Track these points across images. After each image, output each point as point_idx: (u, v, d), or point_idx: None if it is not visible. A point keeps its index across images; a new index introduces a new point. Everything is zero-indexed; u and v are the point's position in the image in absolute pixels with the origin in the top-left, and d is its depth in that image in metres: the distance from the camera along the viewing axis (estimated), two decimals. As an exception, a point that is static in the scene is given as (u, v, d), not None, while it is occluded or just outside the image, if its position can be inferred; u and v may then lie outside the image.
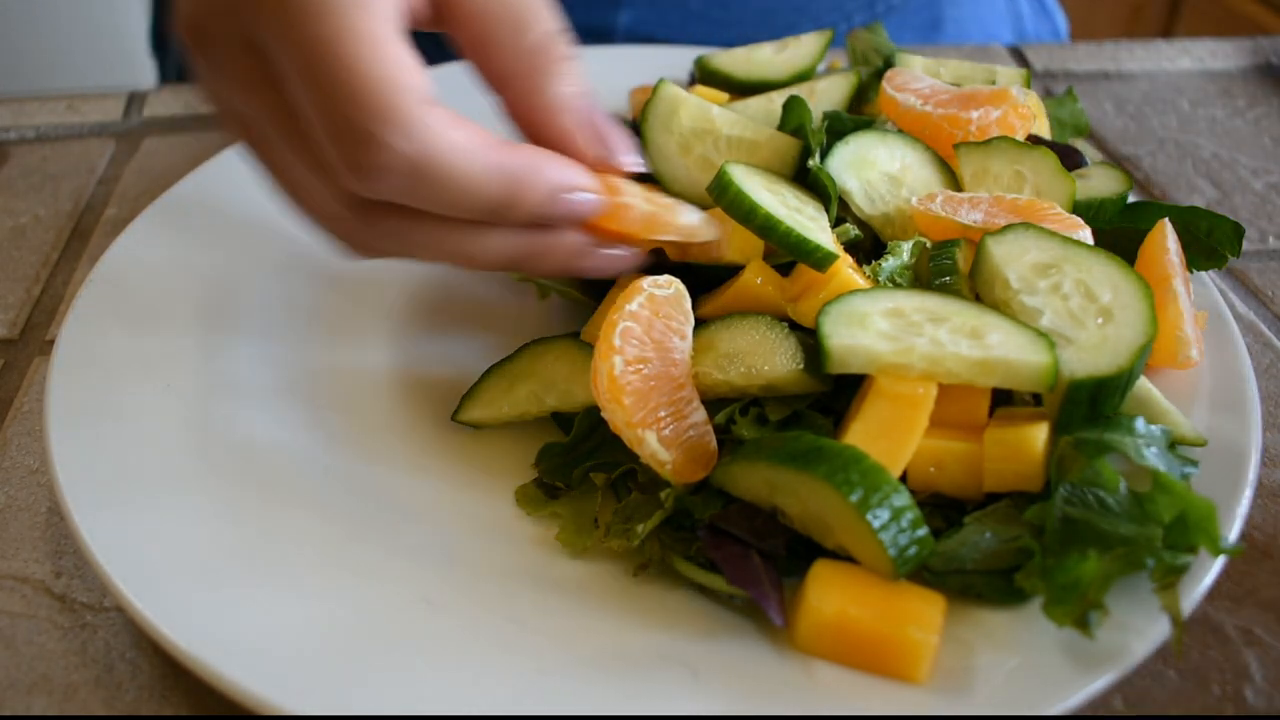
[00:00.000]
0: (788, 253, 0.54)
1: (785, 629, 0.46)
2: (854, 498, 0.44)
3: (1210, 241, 0.60)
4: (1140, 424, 0.49)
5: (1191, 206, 0.61)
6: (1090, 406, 0.49)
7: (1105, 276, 0.52)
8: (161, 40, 1.20)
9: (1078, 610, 0.43)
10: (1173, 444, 0.50)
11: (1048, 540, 0.46)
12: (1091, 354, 0.49)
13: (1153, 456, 0.48)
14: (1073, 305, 0.51)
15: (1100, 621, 0.43)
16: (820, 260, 0.53)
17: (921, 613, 0.44)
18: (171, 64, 1.18)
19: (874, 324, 0.50)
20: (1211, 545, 0.44)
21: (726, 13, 0.98)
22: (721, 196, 0.55)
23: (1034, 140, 0.64)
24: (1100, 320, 0.50)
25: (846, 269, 0.54)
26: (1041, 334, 0.49)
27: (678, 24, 0.97)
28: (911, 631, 0.43)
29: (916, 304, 0.51)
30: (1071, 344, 0.50)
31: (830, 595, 0.45)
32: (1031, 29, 1.15)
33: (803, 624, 0.45)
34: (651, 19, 0.97)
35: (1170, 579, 0.44)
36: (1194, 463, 0.51)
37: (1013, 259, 0.53)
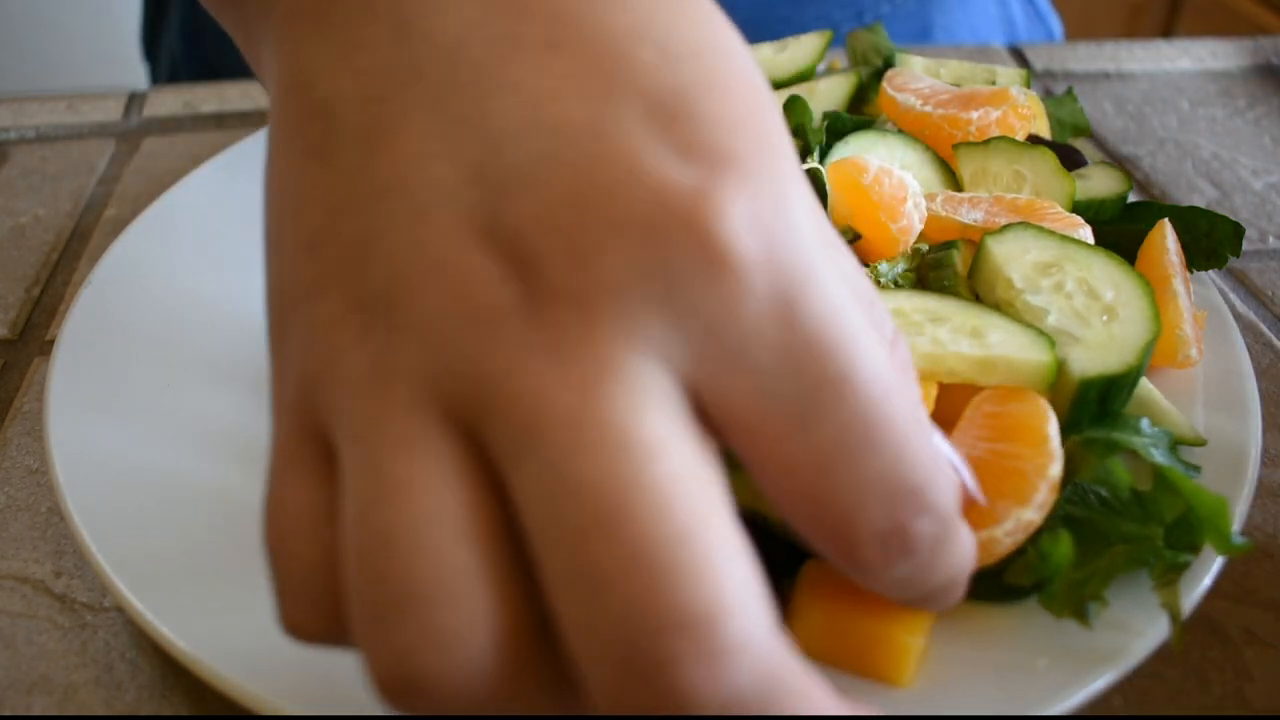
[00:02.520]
0: (788, 252, 0.54)
1: (784, 629, 0.46)
2: (854, 497, 0.44)
3: (1210, 241, 0.60)
4: (1146, 424, 0.49)
5: (1191, 206, 0.60)
6: (1100, 405, 0.49)
7: (1106, 274, 0.52)
8: (153, 45, 1.19)
9: (1076, 600, 0.43)
10: (1173, 444, 0.50)
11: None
12: (1100, 352, 0.49)
13: (1159, 456, 0.48)
14: (1077, 304, 0.51)
15: (1099, 612, 0.43)
16: (820, 260, 0.53)
17: (913, 615, 0.43)
18: (163, 69, 1.17)
19: (874, 324, 0.49)
20: (1222, 542, 0.44)
21: None
22: (721, 196, 0.55)
23: (1034, 140, 0.64)
24: (1105, 318, 0.50)
25: (847, 269, 0.54)
26: (1041, 332, 0.49)
27: None
28: (902, 634, 0.43)
29: (916, 304, 0.51)
30: (1079, 342, 0.50)
31: (820, 597, 0.44)
32: (1025, 35, 1.14)
33: (792, 626, 0.45)
34: None
35: (1170, 576, 0.44)
36: (1196, 468, 0.51)
37: (1014, 258, 0.53)
